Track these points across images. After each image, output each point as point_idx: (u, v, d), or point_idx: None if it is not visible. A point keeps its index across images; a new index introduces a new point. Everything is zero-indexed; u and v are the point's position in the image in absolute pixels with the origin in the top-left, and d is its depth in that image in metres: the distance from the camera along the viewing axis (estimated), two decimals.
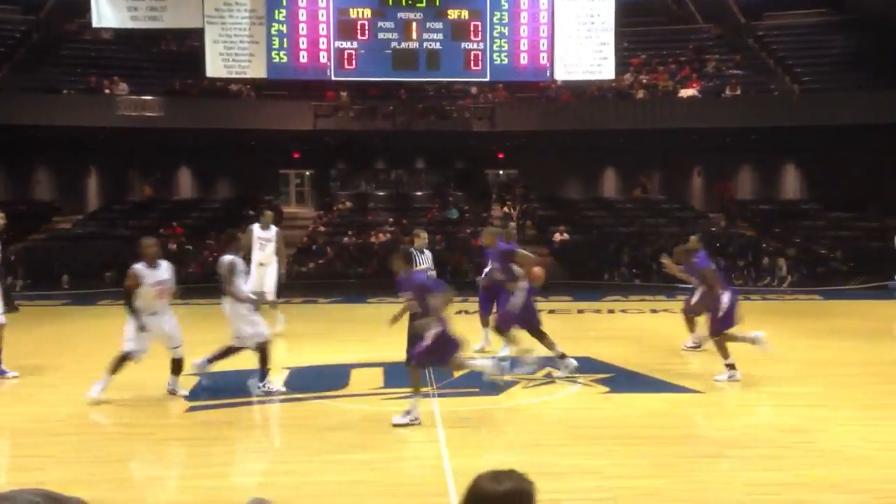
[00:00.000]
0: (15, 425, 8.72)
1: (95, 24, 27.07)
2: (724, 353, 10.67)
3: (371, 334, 14.04)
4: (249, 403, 9.77)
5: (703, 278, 11.45)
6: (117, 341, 13.65)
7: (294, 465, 7.37)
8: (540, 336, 11.17)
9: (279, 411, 9.48)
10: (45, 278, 22.70)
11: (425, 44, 26.38)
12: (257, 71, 26.53)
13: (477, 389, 10.32)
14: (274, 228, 14.93)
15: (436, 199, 32.95)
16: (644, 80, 30.03)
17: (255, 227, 14.69)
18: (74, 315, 17.52)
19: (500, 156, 32.76)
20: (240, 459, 7.60)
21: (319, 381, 10.89)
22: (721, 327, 10.74)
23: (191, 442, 8.34)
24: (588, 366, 11.59)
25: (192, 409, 9.41)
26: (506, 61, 26.78)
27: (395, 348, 11.47)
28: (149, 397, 9.93)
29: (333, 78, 26.76)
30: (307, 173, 34.85)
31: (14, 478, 7.02)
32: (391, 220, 29.79)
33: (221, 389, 10.17)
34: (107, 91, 27.09)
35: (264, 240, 14.58)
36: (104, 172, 32.78)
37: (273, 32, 26.14)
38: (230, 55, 26.30)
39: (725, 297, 10.76)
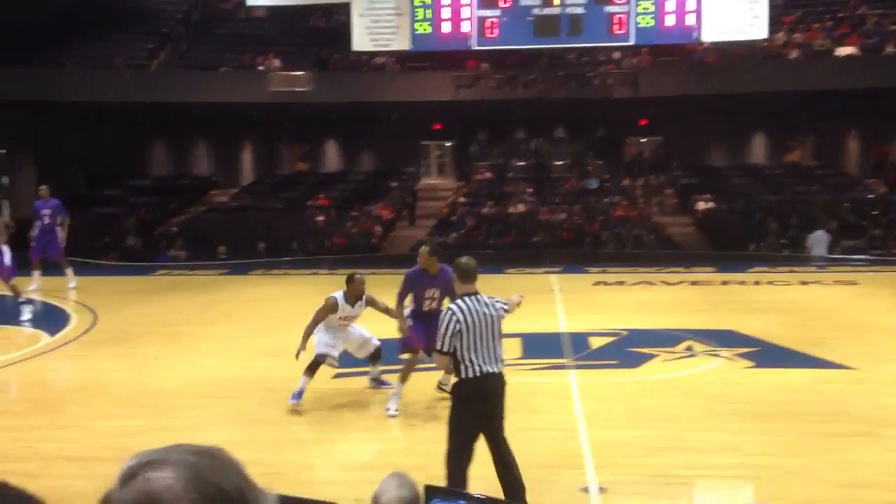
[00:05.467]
0: (173, 388, 9.32)
1: (250, 2, 28.14)
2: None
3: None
4: (392, 372, 10.08)
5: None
6: (269, 308, 14.42)
7: (432, 433, 7.60)
8: None
9: (419, 379, 9.74)
10: (204, 249, 23.93)
11: (567, 9, 26.00)
12: (401, 43, 26.86)
13: (616, 362, 10.32)
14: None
15: (575, 169, 32.65)
16: (798, 39, 28.69)
17: None
18: (231, 284, 18.45)
19: (643, 123, 32.11)
20: (381, 426, 7.90)
21: None
22: None
23: (338, 407, 8.72)
24: (731, 340, 11.37)
25: (338, 375, 9.79)
26: (651, 23, 26.08)
27: (533, 319, 11.58)
28: (300, 363, 10.39)
29: (475, 47, 26.81)
30: (447, 144, 35.19)
31: (173, 437, 7.45)
32: (530, 189, 29.77)
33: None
34: (260, 67, 28.10)
35: None
36: (257, 146, 34.12)
37: (417, 4, 26.36)
38: (375, 28, 26.74)
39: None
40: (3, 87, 24.01)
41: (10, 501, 0.86)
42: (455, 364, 5.75)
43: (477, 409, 5.73)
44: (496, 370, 5.74)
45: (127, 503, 0.97)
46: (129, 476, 0.98)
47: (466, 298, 5.77)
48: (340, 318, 8.68)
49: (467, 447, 5.68)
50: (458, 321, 5.63)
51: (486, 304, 5.80)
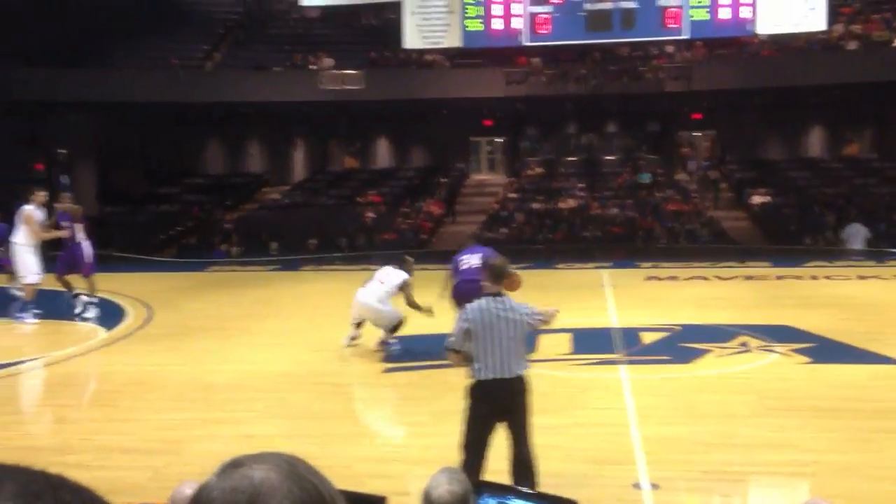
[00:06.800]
0: (225, 382, 9.41)
1: (302, 2, 28.39)
2: None
3: (559, 300, 14.06)
4: (442, 367, 10.07)
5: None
6: (320, 304, 14.52)
7: None
8: None
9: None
10: (257, 245, 24.21)
11: (620, 3, 25.79)
12: (452, 40, 26.85)
13: (668, 357, 10.19)
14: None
15: (627, 163, 32.35)
16: (856, 31, 28.08)
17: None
18: (281, 280, 18.61)
19: (696, 116, 31.70)
20: (431, 420, 7.88)
21: None
22: None
23: (388, 401, 8.74)
24: (787, 335, 11.16)
25: (389, 370, 9.82)
26: (706, 17, 25.73)
27: (584, 314, 11.49)
28: (348, 358, 10.46)
29: (526, 43, 26.69)
30: (498, 140, 35.10)
31: (226, 430, 7.62)
32: (581, 185, 29.55)
33: (416, 352, 10.54)
34: (312, 67, 28.31)
35: None
36: (309, 144, 34.41)
37: (468, 1, 26.36)
38: (426, 26, 26.78)
39: None
40: (65, 88, 24.56)
41: (67, 494, 0.89)
42: (470, 363, 5.66)
43: (484, 411, 5.60)
44: (510, 375, 5.55)
45: (224, 490, 0.99)
46: (226, 469, 1.02)
47: (487, 299, 5.65)
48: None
49: (474, 445, 5.58)
50: (468, 320, 5.57)
51: (509, 308, 5.62)
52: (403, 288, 10.40)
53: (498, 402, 5.59)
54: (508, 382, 5.54)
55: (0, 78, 24.00)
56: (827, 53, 27.12)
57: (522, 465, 5.61)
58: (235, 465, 1.02)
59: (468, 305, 5.73)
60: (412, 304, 10.50)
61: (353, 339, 10.89)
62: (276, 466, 1.00)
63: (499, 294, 5.68)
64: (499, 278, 5.74)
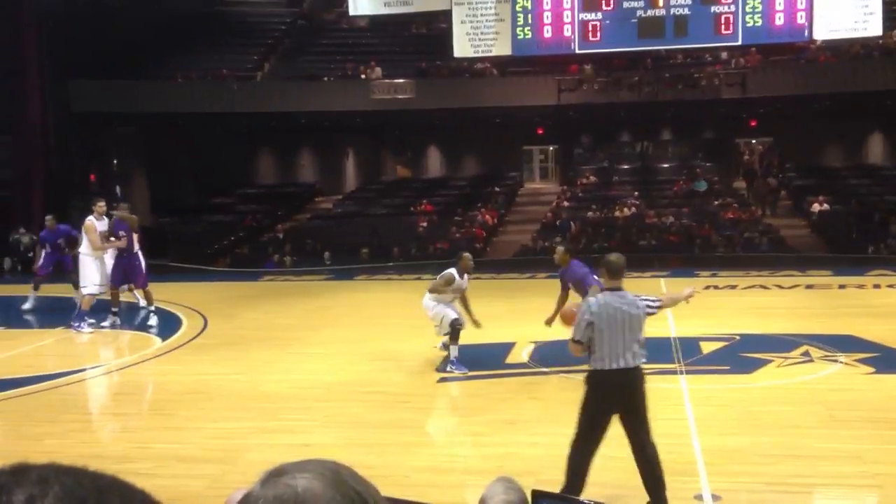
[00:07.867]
0: (280, 391, 9.45)
1: (352, 12, 28.55)
2: None
3: None
4: (497, 377, 10.01)
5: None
6: (374, 313, 14.53)
7: (539, 438, 7.48)
8: None
9: (525, 385, 9.64)
10: (310, 255, 24.36)
11: (672, 10, 25.52)
12: (502, 49, 26.82)
13: (728, 367, 10.00)
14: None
15: (683, 171, 31.96)
16: None
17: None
18: (335, 290, 18.68)
19: (753, 124, 31.22)
20: (487, 430, 7.82)
21: (563, 355, 10.93)
22: None
23: (442, 411, 8.69)
24: (850, 344, 10.89)
25: (443, 380, 9.77)
26: (759, 23, 25.38)
27: None
28: (404, 368, 10.43)
29: (578, 51, 26.53)
30: (551, 149, 34.95)
31: (280, 439, 7.63)
32: (636, 193, 29.27)
33: (471, 363, 10.48)
34: (363, 76, 28.48)
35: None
36: (360, 154, 34.59)
37: (518, 9, 26.29)
38: (476, 35, 26.79)
39: None
40: (115, 99, 25.00)
41: (115, 499, 0.86)
42: (589, 354, 5.96)
43: (603, 401, 5.89)
44: (628, 365, 5.82)
45: (268, 499, 0.98)
46: (269, 477, 1.01)
47: (606, 293, 6.00)
48: (452, 290, 10.12)
49: (589, 434, 5.84)
50: (590, 313, 5.88)
51: (627, 302, 5.92)
52: (439, 278, 10.34)
53: (616, 392, 5.89)
54: (627, 372, 5.84)
55: (57, 91, 24.55)
56: (886, 59, 26.54)
57: (648, 461, 5.84)
58: (278, 473, 1.00)
59: (590, 300, 6.13)
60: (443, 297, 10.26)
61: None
62: (319, 475, 0.98)
63: (618, 289, 5.99)
64: (617, 274, 6.06)
